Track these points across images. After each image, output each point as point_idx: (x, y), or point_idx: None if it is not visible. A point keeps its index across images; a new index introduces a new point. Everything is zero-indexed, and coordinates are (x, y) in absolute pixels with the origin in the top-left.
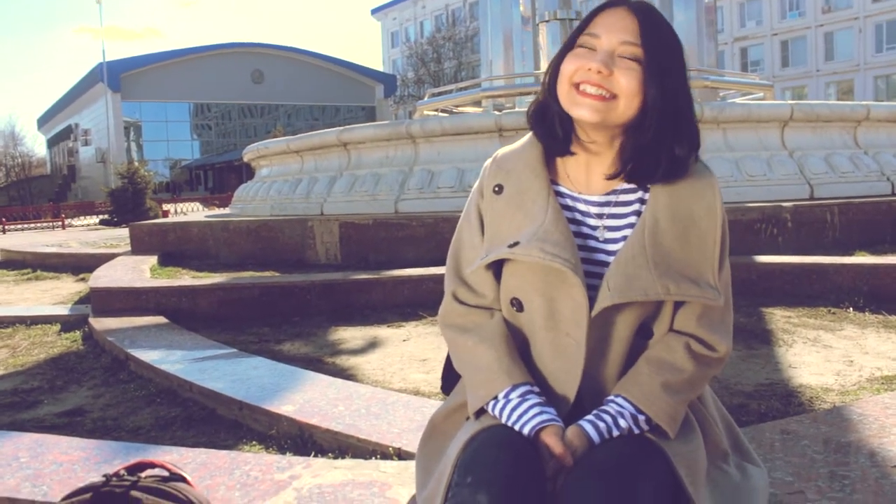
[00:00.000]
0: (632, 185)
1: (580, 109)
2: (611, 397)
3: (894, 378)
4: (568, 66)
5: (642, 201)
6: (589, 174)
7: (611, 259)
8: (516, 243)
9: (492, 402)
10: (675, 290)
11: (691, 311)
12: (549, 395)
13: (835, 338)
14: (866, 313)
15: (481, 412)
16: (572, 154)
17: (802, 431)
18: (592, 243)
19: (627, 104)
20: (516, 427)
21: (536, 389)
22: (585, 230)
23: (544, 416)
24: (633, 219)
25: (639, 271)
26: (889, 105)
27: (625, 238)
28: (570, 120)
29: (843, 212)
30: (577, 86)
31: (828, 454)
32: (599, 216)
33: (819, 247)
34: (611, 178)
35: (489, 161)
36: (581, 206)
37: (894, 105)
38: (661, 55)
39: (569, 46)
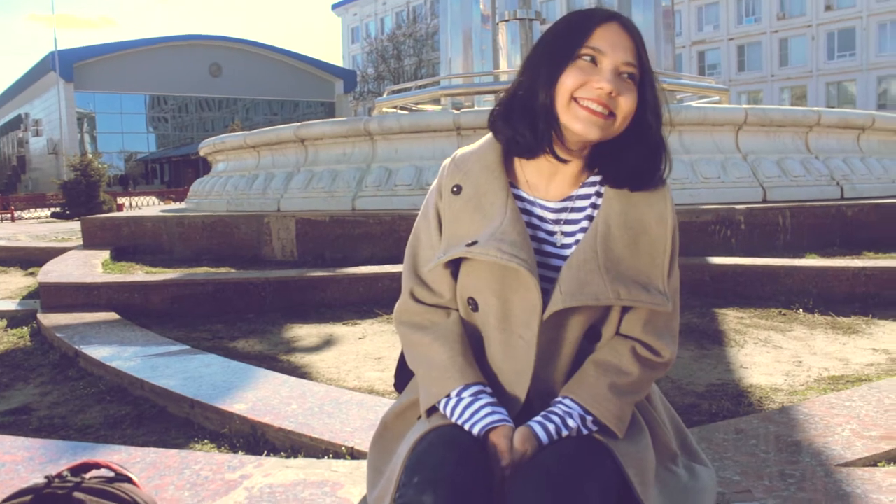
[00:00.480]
0: (586, 192)
1: (580, 124)
2: (558, 399)
3: (840, 378)
4: (572, 80)
5: (595, 206)
6: (550, 180)
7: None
8: (474, 243)
9: (444, 401)
10: (625, 295)
11: (637, 316)
12: (500, 396)
13: (785, 338)
14: (815, 314)
15: (433, 411)
16: (552, 154)
17: (752, 431)
18: (548, 248)
19: (623, 122)
20: (466, 426)
21: (489, 390)
22: (541, 235)
23: (495, 417)
24: (585, 223)
25: (590, 276)
26: (839, 112)
27: (577, 242)
28: (557, 120)
29: (795, 215)
30: (576, 99)
31: (776, 453)
32: (556, 222)
33: (771, 249)
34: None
35: (448, 161)
36: (538, 211)
37: (844, 112)
38: (650, 73)
39: (568, 56)
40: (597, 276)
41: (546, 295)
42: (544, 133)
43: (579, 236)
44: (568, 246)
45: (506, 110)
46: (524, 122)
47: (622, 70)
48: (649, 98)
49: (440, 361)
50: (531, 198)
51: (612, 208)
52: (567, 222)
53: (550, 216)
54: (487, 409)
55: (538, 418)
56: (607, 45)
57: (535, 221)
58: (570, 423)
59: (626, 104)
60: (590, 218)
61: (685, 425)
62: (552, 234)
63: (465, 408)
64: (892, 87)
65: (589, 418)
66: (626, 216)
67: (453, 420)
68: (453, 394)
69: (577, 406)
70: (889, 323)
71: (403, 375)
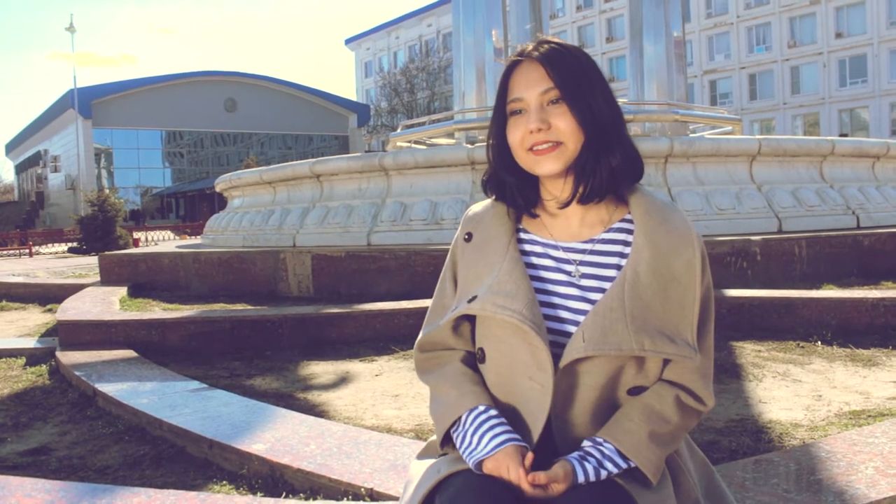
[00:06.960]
0: (612, 237)
1: (542, 166)
2: (598, 440)
3: (861, 412)
4: (514, 137)
5: (622, 255)
6: (566, 222)
7: (588, 307)
8: (474, 298)
9: (455, 429)
10: (649, 345)
11: (684, 362)
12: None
13: (804, 372)
14: (834, 347)
15: (448, 442)
16: (538, 214)
17: (773, 469)
18: (571, 290)
19: (574, 143)
20: (476, 452)
21: (494, 412)
22: (563, 276)
23: (504, 437)
24: (613, 271)
25: (615, 325)
26: (853, 140)
27: (603, 290)
28: (529, 184)
29: (811, 245)
30: (530, 149)
31: (797, 493)
32: (578, 262)
33: (788, 280)
34: (564, 205)
35: (468, 209)
36: (553, 252)
37: (858, 140)
38: (574, 85)
39: (502, 118)
40: (622, 324)
41: (567, 337)
42: (518, 195)
43: (605, 283)
44: (592, 289)
45: (487, 180)
46: (505, 191)
47: (545, 100)
48: (587, 104)
49: (444, 400)
50: (546, 240)
51: (642, 256)
52: (588, 264)
53: (573, 256)
54: (496, 430)
55: (575, 455)
56: (522, 88)
57: (552, 263)
58: (610, 466)
59: (563, 126)
60: (618, 267)
61: None
62: (571, 273)
63: (472, 433)
64: None
65: (630, 465)
66: (656, 264)
67: (462, 451)
68: (463, 417)
69: (617, 453)
70: None
71: None
